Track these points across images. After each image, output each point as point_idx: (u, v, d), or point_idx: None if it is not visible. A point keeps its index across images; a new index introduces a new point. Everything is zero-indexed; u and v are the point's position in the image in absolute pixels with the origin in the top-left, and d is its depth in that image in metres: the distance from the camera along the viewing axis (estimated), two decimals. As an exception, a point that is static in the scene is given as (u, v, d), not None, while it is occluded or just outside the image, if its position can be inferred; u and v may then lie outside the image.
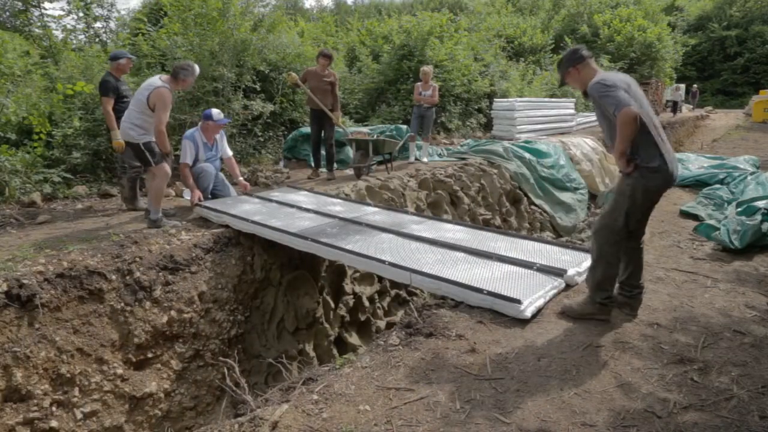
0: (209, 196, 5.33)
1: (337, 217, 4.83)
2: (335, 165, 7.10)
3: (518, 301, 3.05)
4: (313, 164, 7.25)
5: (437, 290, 3.44)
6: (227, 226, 4.66)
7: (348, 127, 7.96)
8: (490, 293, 3.16)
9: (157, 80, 4.44)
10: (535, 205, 8.62)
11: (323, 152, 7.00)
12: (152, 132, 4.45)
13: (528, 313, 3.04)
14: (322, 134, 6.83)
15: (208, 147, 5.30)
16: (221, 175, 5.56)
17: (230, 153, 5.63)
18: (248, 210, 4.94)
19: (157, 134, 4.42)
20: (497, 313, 3.12)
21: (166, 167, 4.61)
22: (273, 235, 4.43)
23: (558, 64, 3.14)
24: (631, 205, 2.86)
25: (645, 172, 2.80)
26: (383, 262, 3.71)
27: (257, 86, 7.95)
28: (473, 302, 3.24)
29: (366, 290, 5.66)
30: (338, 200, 5.62)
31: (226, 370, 3.54)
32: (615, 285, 3.05)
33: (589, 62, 2.96)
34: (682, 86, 25.30)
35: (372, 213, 5.14)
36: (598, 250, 2.98)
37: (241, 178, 5.67)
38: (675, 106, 20.97)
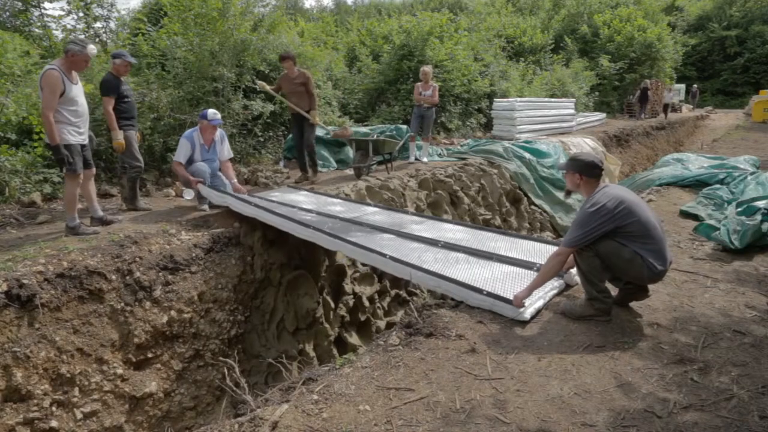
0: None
1: (338, 217, 4.83)
2: (318, 168, 6.91)
3: None
4: (300, 168, 6.98)
5: (437, 288, 3.43)
6: (229, 223, 4.66)
7: (346, 126, 7.80)
8: (490, 294, 3.16)
9: (47, 65, 4.08)
10: (535, 205, 8.63)
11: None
12: (67, 124, 4.10)
13: (527, 315, 3.04)
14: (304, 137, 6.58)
15: (205, 149, 5.25)
16: (220, 174, 5.52)
17: (227, 156, 5.50)
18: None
19: (42, 118, 4.03)
20: (497, 313, 3.12)
21: (79, 177, 4.26)
22: (275, 220, 4.38)
23: (571, 158, 3.19)
24: (615, 256, 2.90)
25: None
26: (384, 255, 3.71)
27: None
28: (473, 302, 3.24)
29: (366, 290, 5.66)
30: (338, 200, 5.62)
31: (226, 370, 3.55)
32: (604, 277, 3.05)
33: (597, 181, 3.05)
34: (680, 87, 25.12)
35: (372, 213, 5.14)
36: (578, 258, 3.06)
37: (235, 180, 5.54)
38: (665, 108, 20.48)
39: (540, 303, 3.20)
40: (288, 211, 4.49)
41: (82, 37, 4.26)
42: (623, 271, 2.97)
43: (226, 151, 5.50)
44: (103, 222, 4.59)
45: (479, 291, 3.20)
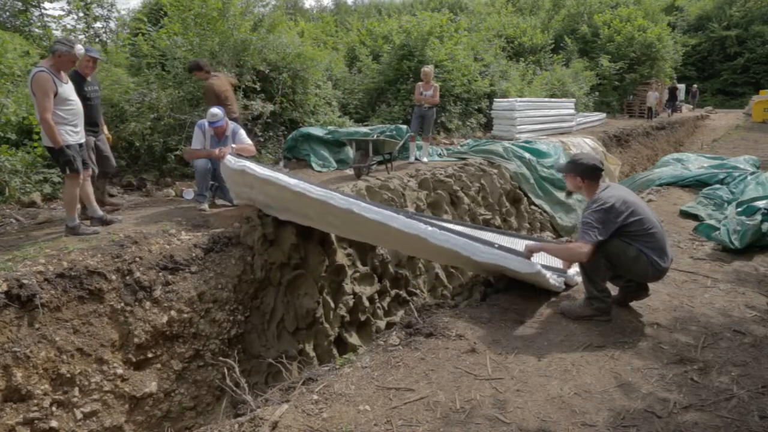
0: (205, 194, 5.24)
1: (337, 217, 4.82)
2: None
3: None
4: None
5: (445, 242, 3.43)
6: (229, 223, 4.66)
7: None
8: (501, 247, 3.19)
9: (35, 67, 3.98)
10: (535, 205, 8.62)
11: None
12: (63, 124, 4.04)
13: (537, 269, 3.11)
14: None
15: (215, 141, 5.25)
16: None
17: (244, 143, 5.36)
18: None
19: (41, 123, 3.95)
20: (506, 268, 3.13)
21: (80, 177, 4.20)
22: (288, 181, 4.38)
23: (572, 161, 3.16)
24: (622, 255, 2.92)
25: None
26: (396, 212, 3.73)
27: (257, 86, 7.94)
28: (482, 257, 3.24)
29: (366, 290, 5.65)
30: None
31: (226, 370, 3.54)
32: (606, 277, 3.06)
33: (598, 182, 3.07)
34: (680, 87, 24.87)
35: (372, 213, 5.13)
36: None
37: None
38: (649, 112, 19.18)
39: (548, 273, 3.26)
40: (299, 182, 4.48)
41: (71, 36, 4.12)
42: (628, 270, 2.98)
43: (243, 139, 5.37)
44: (103, 222, 4.58)
45: (491, 244, 3.21)
